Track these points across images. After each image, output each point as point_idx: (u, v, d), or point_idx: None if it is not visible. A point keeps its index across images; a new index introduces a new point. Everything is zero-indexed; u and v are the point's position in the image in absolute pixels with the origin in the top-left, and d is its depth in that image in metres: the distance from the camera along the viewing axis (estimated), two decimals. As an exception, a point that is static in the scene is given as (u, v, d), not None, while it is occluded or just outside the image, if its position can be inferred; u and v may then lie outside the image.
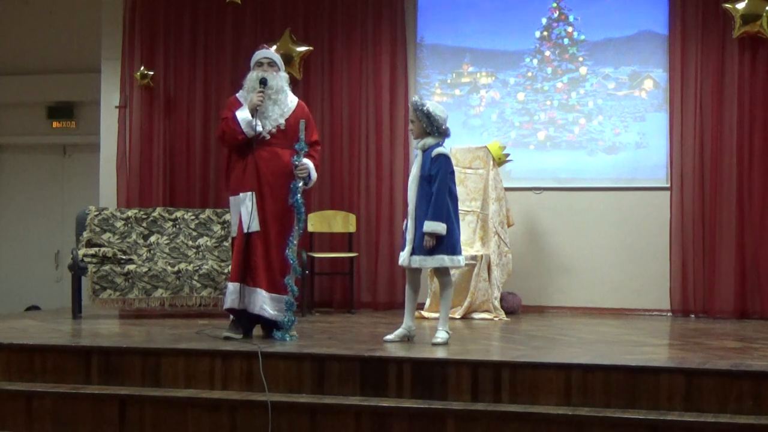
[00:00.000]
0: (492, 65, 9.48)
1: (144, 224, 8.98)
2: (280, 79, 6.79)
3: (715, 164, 8.75)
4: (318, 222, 9.25)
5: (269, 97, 6.68)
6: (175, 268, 8.37)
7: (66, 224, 10.72)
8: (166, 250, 8.84)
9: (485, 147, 8.84)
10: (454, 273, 7.65)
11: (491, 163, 8.76)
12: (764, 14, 8.60)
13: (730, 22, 8.72)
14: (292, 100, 6.85)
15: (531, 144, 9.39)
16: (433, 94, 9.53)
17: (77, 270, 8.40)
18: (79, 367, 6.15)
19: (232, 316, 6.74)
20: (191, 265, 8.45)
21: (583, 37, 9.30)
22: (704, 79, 8.81)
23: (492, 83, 9.49)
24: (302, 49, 9.61)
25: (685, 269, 8.80)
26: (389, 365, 5.72)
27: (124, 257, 8.48)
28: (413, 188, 6.51)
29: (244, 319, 6.67)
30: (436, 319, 6.88)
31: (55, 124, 11.44)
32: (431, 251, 6.39)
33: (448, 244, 6.44)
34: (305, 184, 6.74)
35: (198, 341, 6.49)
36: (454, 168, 6.69)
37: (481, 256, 8.46)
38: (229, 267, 7.03)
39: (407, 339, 6.54)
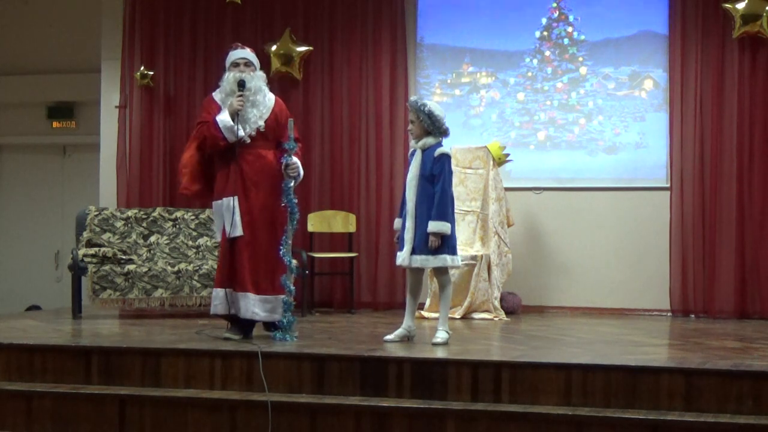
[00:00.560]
0: (492, 65, 9.48)
1: (144, 224, 8.98)
2: (258, 79, 6.72)
3: (715, 164, 8.75)
4: (318, 222, 9.25)
5: (248, 99, 6.60)
6: (175, 268, 8.37)
7: (66, 224, 10.71)
8: (166, 250, 8.84)
9: (485, 147, 8.84)
10: (454, 273, 7.66)
11: (491, 163, 8.76)
12: (764, 14, 8.60)
13: (730, 22, 8.72)
14: (270, 99, 6.77)
15: (531, 144, 9.39)
16: (433, 94, 9.53)
17: (77, 270, 8.40)
18: (79, 367, 6.15)
19: (229, 322, 6.73)
20: (191, 265, 8.45)
21: (583, 37, 9.30)
22: (704, 79, 8.81)
23: (492, 83, 9.49)
24: (302, 49, 9.61)
25: (685, 269, 8.80)
26: (389, 365, 5.71)
27: (124, 257, 8.48)
28: (412, 188, 6.50)
29: (241, 321, 6.63)
30: (436, 319, 6.88)
31: (55, 124, 11.45)
32: (434, 251, 6.39)
33: (450, 244, 6.44)
34: (294, 182, 6.72)
35: (198, 341, 6.49)
36: (454, 168, 6.69)
37: (481, 256, 8.46)
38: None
39: (407, 339, 6.54)
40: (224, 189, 6.60)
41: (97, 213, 8.94)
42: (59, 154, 11.63)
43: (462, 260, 7.16)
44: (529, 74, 9.41)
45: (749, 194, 8.68)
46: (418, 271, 6.59)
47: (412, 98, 6.70)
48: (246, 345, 6.21)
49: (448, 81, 9.58)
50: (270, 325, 6.72)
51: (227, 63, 6.81)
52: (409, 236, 6.48)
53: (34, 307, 10.65)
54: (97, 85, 10.27)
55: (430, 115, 6.47)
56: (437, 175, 6.41)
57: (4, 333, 6.96)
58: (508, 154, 8.97)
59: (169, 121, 9.91)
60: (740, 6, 8.65)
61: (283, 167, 6.62)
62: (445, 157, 6.46)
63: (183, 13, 9.90)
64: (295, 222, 6.67)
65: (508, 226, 8.88)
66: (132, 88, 9.94)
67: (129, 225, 8.94)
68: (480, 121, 9.50)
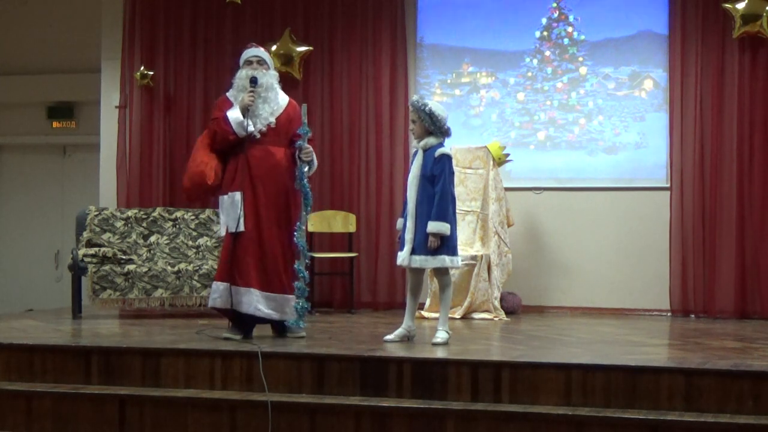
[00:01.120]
0: (492, 65, 9.48)
1: (144, 224, 8.98)
2: (270, 76, 6.76)
3: (715, 164, 8.75)
4: (318, 222, 9.25)
5: (259, 95, 6.64)
6: (175, 268, 8.37)
7: (66, 224, 10.72)
8: (166, 250, 8.84)
9: (485, 147, 8.84)
10: (454, 273, 7.65)
11: (491, 163, 8.76)
12: (764, 14, 8.60)
13: (730, 22, 8.72)
14: (282, 98, 6.81)
15: (531, 144, 9.39)
16: (433, 94, 9.53)
17: (77, 270, 8.40)
18: (79, 367, 6.15)
19: (230, 322, 6.73)
20: (191, 265, 8.45)
21: (583, 37, 9.30)
22: (704, 79, 8.81)
23: (492, 83, 9.49)
24: (302, 49, 9.61)
25: (685, 269, 8.80)
26: (389, 365, 5.71)
27: (124, 257, 8.48)
28: (413, 188, 6.49)
29: (242, 320, 6.64)
30: (436, 319, 6.88)
31: (55, 124, 11.45)
32: (434, 251, 6.39)
33: (450, 244, 6.44)
34: (309, 168, 6.74)
35: (198, 341, 6.49)
36: (455, 168, 6.69)
37: (481, 256, 8.46)
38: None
39: (407, 339, 6.54)
40: (231, 184, 6.62)
41: (97, 213, 8.94)
42: (59, 154, 11.63)
43: (462, 260, 7.15)
44: (529, 74, 9.41)
45: (749, 194, 8.68)
46: (419, 271, 6.59)
47: (414, 98, 6.69)
48: (246, 345, 6.21)
49: (448, 81, 9.58)
50: (278, 328, 6.73)
51: (241, 61, 6.86)
52: (409, 236, 6.47)
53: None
54: (97, 85, 10.28)
55: (431, 115, 6.46)
56: (437, 175, 6.41)
57: (4, 333, 6.97)
58: (508, 154, 8.97)
59: (169, 121, 9.92)
60: (740, 6, 8.65)
61: (296, 152, 6.65)
62: (446, 158, 6.45)
63: (183, 13, 9.90)
64: (309, 207, 6.75)
65: (508, 226, 8.88)
66: (132, 88, 9.95)
67: (129, 225, 8.94)
68: (480, 121, 9.50)
